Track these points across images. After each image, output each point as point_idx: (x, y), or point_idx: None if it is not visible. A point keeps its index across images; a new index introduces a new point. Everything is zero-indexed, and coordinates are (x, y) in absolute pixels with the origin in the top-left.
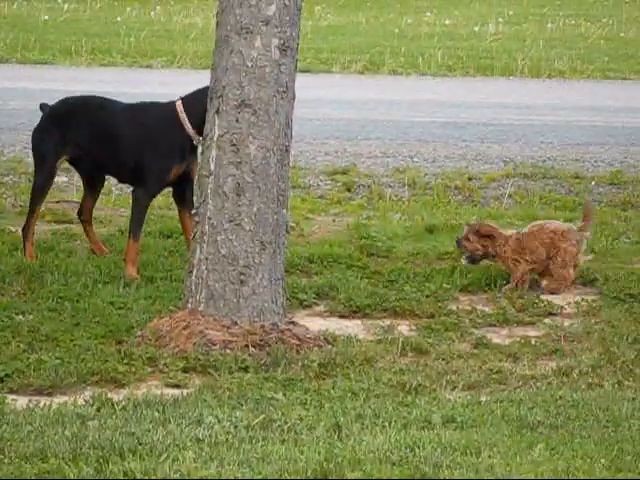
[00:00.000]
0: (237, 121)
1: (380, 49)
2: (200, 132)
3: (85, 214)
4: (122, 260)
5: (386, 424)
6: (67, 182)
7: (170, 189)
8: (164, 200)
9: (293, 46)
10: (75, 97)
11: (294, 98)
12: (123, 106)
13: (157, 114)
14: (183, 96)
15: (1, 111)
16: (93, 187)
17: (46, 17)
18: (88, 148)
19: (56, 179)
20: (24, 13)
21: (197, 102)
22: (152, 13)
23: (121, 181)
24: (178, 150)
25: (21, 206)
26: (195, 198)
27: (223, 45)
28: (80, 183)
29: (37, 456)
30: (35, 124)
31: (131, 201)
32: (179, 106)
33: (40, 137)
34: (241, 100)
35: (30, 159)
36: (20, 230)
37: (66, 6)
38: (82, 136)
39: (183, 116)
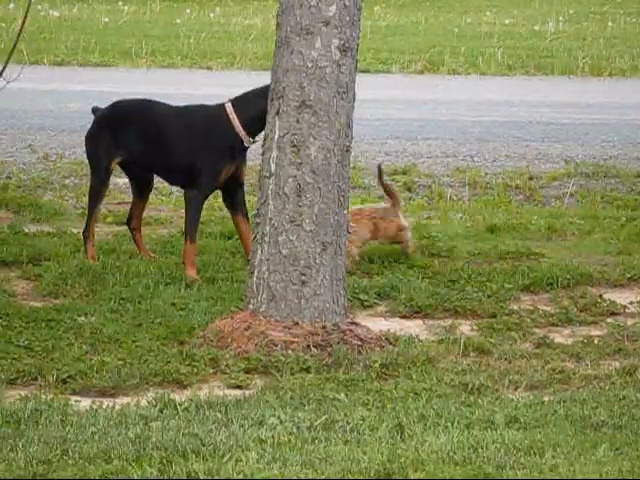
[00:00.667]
0: (297, 122)
1: (439, 49)
2: (250, 133)
3: (134, 221)
4: (182, 262)
5: (449, 424)
6: (128, 184)
7: (220, 193)
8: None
9: (353, 46)
10: (125, 100)
11: (354, 98)
12: (173, 108)
13: (207, 116)
14: (232, 98)
15: (62, 113)
16: (142, 192)
17: (106, 20)
18: (139, 151)
19: (117, 180)
20: (85, 16)
21: (247, 104)
22: (211, 15)
23: (172, 183)
24: (228, 151)
25: (82, 208)
26: (256, 199)
27: (283, 46)
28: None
29: (101, 457)
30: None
31: (184, 204)
32: (229, 107)
33: (92, 141)
34: (301, 101)
35: None
36: (81, 232)
37: (126, 8)
38: (133, 139)
39: (233, 117)
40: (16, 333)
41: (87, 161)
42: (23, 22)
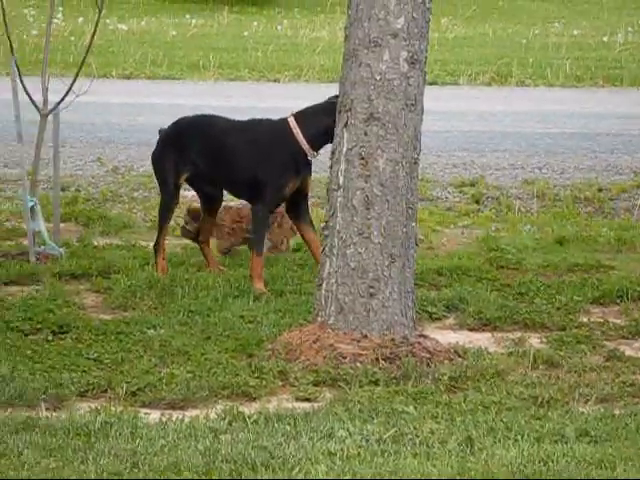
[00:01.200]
0: (366, 134)
1: (507, 60)
2: (314, 147)
3: (203, 235)
4: (250, 275)
5: (518, 437)
6: (196, 196)
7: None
8: None
9: (421, 59)
10: (187, 117)
11: (422, 111)
12: (236, 123)
13: (270, 130)
14: (295, 112)
15: (131, 126)
16: (211, 207)
17: (174, 33)
18: (204, 166)
19: (186, 193)
20: (153, 29)
21: (310, 117)
22: (279, 27)
23: (239, 197)
24: (293, 165)
25: (151, 220)
26: (324, 211)
27: (351, 59)
28: None
29: (171, 470)
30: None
31: (251, 217)
32: (292, 122)
33: (158, 160)
34: (370, 113)
35: None
36: (151, 245)
37: (194, 22)
38: (197, 155)
39: (297, 131)
40: (86, 346)
41: (156, 180)
42: (92, 36)
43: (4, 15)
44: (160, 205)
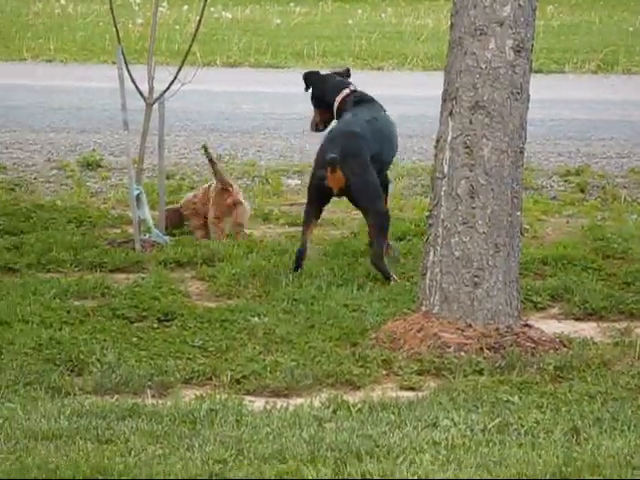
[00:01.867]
0: (471, 123)
1: (614, 48)
2: None
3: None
4: (354, 262)
5: (625, 428)
6: (299, 184)
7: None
8: (396, 202)
9: (528, 47)
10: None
11: (528, 99)
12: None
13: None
14: None
15: (235, 115)
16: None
17: (278, 21)
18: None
19: (289, 182)
20: (257, 17)
21: None
22: (383, 15)
23: None
24: None
25: (254, 209)
26: (428, 201)
27: (457, 47)
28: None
29: (276, 457)
30: (266, 127)
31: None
32: None
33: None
34: (475, 102)
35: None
36: (254, 233)
37: (298, 10)
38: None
39: None
40: (191, 333)
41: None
42: (198, 25)
43: (111, 4)
44: None
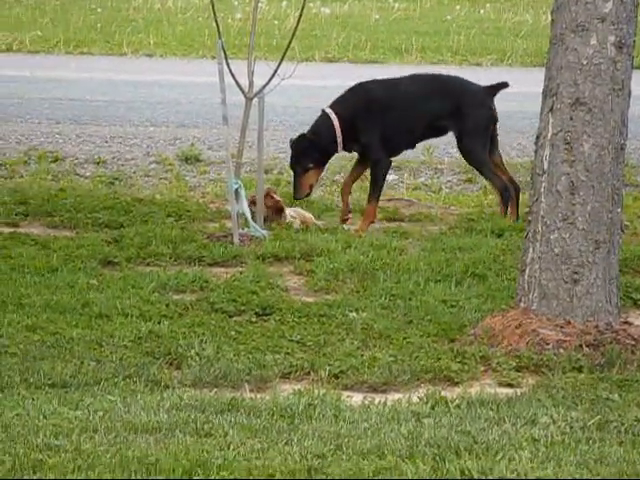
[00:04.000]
0: (571, 119)
1: None
2: None
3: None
4: (452, 258)
5: None
6: (397, 180)
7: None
8: (494, 199)
9: (629, 43)
10: None
11: (630, 95)
12: None
13: None
14: None
15: None
16: None
17: (377, 16)
18: None
19: (387, 177)
20: (355, 13)
21: None
22: (481, 11)
23: None
24: None
25: (353, 204)
26: (528, 197)
27: (558, 43)
28: (410, 181)
29: (374, 453)
30: None
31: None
32: None
33: None
34: (575, 98)
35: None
36: (353, 229)
37: (397, 5)
38: None
39: None
40: (289, 328)
41: None
42: (298, 20)
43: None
44: None
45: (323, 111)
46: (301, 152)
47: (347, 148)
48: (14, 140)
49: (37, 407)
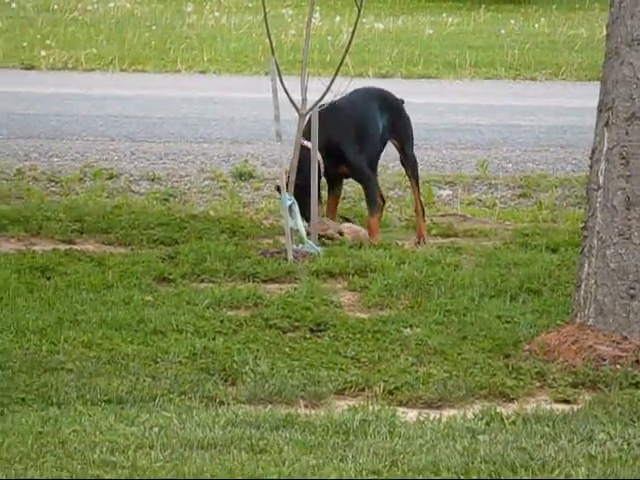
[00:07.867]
0: (627, 134)
1: None
2: None
3: None
4: (507, 273)
5: None
6: (451, 195)
7: None
8: (549, 213)
9: None
10: None
11: None
12: None
13: None
14: None
15: None
16: None
17: (430, 31)
18: None
19: (441, 192)
20: (409, 28)
21: None
22: (536, 25)
23: None
24: None
25: (406, 220)
26: (583, 212)
27: (613, 57)
28: (464, 196)
29: (430, 469)
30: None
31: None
32: None
33: None
34: (631, 113)
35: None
36: (406, 244)
37: (450, 20)
38: None
39: None
40: (343, 344)
41: None
42: (352, 36)
43: (265, 15)
44: None
45: None
46: None
47: None
48: (70, 157)
49: (94, 423)
